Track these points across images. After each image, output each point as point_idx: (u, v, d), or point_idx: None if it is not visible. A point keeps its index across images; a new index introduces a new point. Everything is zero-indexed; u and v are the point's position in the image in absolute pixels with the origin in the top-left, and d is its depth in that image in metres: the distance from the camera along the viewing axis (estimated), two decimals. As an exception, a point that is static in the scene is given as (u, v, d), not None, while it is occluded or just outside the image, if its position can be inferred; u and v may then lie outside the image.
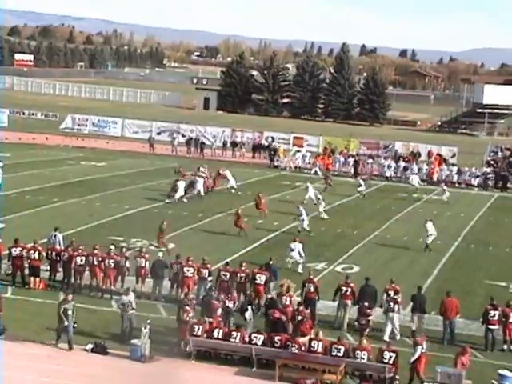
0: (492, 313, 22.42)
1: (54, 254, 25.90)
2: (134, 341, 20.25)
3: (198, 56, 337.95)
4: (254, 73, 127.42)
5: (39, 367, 19.09)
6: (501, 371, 19.47)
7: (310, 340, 20.21)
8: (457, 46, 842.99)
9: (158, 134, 69.72)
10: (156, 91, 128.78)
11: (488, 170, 56.55)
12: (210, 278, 24.65)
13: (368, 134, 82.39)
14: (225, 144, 64.64)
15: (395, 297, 22.93)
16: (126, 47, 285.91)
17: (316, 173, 55.19)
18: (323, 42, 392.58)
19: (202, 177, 43.64)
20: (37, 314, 22.76)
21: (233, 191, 44.92)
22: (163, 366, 19.83)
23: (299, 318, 21.31)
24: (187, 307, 21.06)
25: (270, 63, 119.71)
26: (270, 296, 23.82)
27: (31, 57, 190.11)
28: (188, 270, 24.59)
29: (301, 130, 76.16)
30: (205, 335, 20.50)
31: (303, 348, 20.05)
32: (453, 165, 57.63)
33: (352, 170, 56.93)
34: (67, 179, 46.84)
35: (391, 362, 19.24)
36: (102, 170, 52.01)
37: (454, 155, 63.29)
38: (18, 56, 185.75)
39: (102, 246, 26.00)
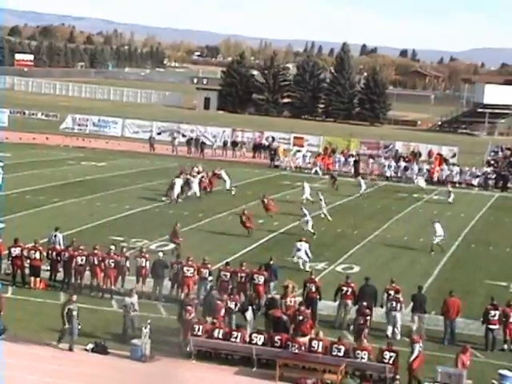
0: (492, 312, 22.44)
1: (54, 253, 25.93)
2: (134, 341, 20.26)
3: (198, 56, 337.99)
4: (255, 72, 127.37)
5: (41, 367, 19.09)
6: (501, 371, 19.51)
7: (311, 340, 20.22)
8: (457, 45, 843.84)
9: (159, 133, 69.59)
10: (156, 91, 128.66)
11: (488, 169, 56.52)
12: (210, 278, 24.65)
13: (368, 133, 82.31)
14: (225, 144, 64.62)
15: (397, 296, 22.95)
16: (126, 47, 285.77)
17: (316, 172, 55.20)
18: (324, 42, 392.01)
19: (195, 176, 43.49)
20: (37, 314, 22.79)
21: (226, 191, 44.90)
22: (164, 365, 19.84)
23: (300, 317, 21.31)
24: (189, 307, 21.07)
25: (271, 63, 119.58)
26: (270, 296, 23.84)
27: (31, 57, 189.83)
28: (188, 270, 24.61)
29: (301, 129, 76.10)
30: (205, 335, 20.51)
31: (303, 348, 20.06)
32: (453, 165, 57.60)
33: (352, 170, 56.95)
34: (67, 179, 46.86)
35: (391, 361, 19.27)
36: (103, 170, 52.02)
37: (454, 155, 63.22)
38: (18, 56, 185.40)
39: (103, 246, 26.01)
